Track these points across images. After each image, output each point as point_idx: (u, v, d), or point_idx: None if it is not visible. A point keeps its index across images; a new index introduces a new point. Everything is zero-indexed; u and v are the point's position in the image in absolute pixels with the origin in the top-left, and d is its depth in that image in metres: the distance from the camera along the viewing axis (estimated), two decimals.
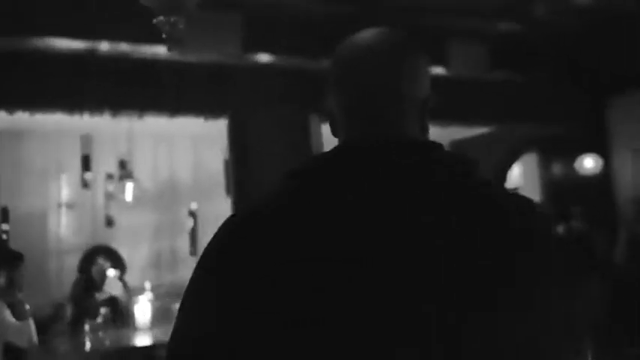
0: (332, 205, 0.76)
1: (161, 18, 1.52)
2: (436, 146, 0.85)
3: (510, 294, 0.73)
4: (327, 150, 0.85)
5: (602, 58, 6.18)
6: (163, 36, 1.53)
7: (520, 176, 7.93)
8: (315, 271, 0.73)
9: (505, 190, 0.87)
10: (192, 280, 0.81)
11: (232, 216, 0.85)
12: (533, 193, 7.53)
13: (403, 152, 0.81)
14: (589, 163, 6.79)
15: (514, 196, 0.85)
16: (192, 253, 6.39)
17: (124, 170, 5.73)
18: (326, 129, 2.32)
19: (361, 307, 0.71)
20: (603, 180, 6.85)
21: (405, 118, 0.87)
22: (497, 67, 5.88)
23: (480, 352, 0.70)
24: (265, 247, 0.76)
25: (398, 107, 0.87)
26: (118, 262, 5.29)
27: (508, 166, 7.18)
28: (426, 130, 0.90)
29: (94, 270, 4.86)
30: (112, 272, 4.92)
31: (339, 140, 0.89)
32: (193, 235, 6.42)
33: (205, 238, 6.77)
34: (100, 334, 4.25)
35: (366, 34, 0.91)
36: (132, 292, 4.98)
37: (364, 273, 0.72)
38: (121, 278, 5.10)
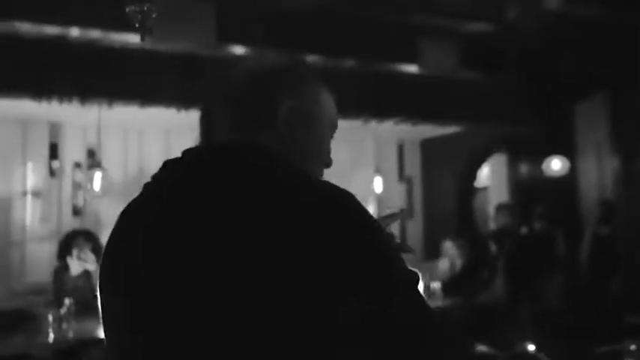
0: (135, 214, 0.90)
1: (133, 7, 1.50)
2: (239, 147, 0.88)
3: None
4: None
5: (570, 62, 6.31)
6: (136, 25, 1.52)
7: (489, 176, 8.04)
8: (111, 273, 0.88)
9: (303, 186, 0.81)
10: None
11: None
12: (501, 193, 7.65)
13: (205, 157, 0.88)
14: (556, 164, 6.92)
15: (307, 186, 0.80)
16: None
17: (93, 159, 5.64)
18: None
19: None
20: (569, 181, 7.00)
21: (246, 127, 0.93)
22: (467, 66, 5.95)
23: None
24: (108, 246, 0.92)
25: (234, 116, 0.94)
26: (97, 246, 5.13)
27: (477, 165, 7.28)
28: (283, 140, 0.93)
29: (75, 252, 4.68)
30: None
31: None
32: None
33: None
34: (64, 325, 4.18)
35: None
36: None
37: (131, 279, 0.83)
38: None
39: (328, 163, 0.99)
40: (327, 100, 1.01)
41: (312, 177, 0.84)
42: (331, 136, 1.01)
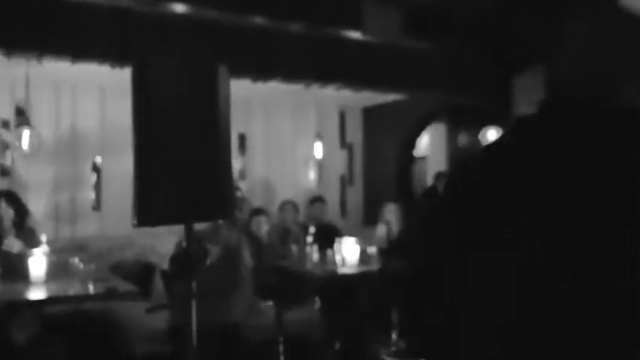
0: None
1: None
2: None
3: None
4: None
5: (512, 32, 6.41)
6: None
7: (428, 145, 8.17)
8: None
9: None
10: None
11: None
12: (440, 162, 7.79)
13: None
14: (492, 134, 7.08)
15: None
16: (96, 207, 6.15)
17: (21, 117, 5.38)
18: (235, 83, 2.24)
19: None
20: None
21: None
22: (411, 34, 5.95)
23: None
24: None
25: None
26: (20, 207, 4.90)
27: (417, 134, 7.36)
28: None
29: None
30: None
31: None
32: (97, 189, 6.16)
33: (110, 193, 6.43)
34: None
35: None
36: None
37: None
38: (23, 224, 4.71)
39: None
40: None
41: None
42: None
